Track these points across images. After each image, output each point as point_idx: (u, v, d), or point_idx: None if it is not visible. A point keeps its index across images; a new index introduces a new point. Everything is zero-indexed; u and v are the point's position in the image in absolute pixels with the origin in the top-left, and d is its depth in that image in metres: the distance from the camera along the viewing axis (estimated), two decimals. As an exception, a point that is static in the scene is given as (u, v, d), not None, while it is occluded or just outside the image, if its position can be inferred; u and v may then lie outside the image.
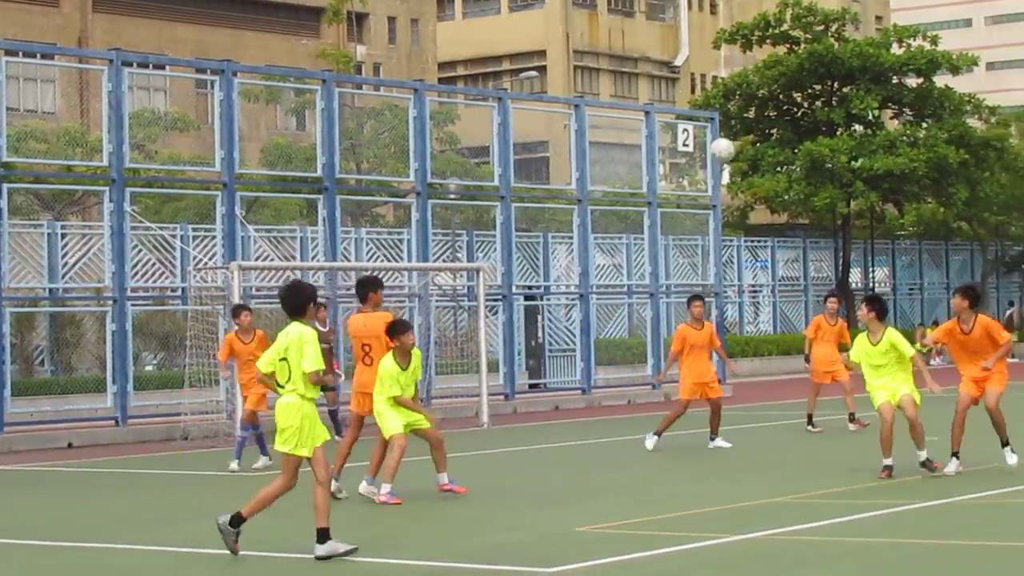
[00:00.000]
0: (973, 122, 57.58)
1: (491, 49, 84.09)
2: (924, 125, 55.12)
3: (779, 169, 53.12)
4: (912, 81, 55.79)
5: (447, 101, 57.23)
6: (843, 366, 22.94)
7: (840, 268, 55.47)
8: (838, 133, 53.55)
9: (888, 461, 16.74)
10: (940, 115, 54.98)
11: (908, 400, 16.70)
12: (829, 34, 55.29)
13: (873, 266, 57.99)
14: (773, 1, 61.16)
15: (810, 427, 23.90)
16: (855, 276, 57.05)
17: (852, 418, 23.94)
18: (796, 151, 52.56)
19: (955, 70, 55.25)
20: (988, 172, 54.71)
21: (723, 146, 21.32)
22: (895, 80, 55.24)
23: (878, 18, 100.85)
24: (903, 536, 12.95)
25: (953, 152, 51.85)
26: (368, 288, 16.50)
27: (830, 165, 51.07)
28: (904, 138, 53.09)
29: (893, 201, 56.45)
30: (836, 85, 54.84)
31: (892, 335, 16.85)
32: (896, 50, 55.23)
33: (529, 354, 37.55)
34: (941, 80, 56.47)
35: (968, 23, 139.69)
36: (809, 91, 55.48)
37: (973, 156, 53.47)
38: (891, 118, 58.84)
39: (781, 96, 55.48)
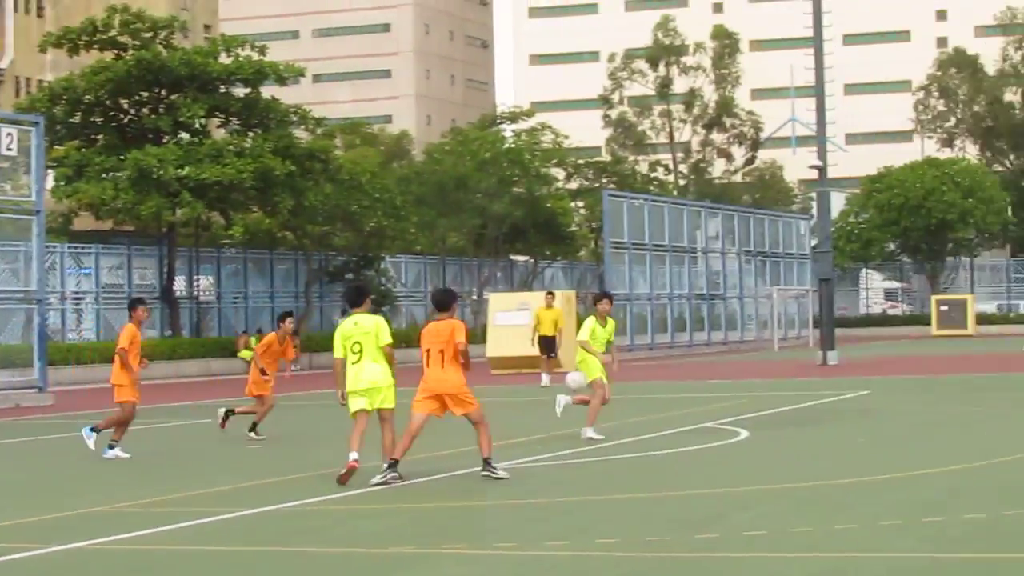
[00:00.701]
0: (300, 133, 58.76)
1: None
2: (251, 135, 55.68)
3: (105, 176, 52.29)
4: (240, 91, 56.28)
5: None
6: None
7: (165, 276, 55.42)
8: (165, 141, 53.39)
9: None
10: (267, 125, 55.78)
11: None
12: (158, 41, 55.00)
13: (198, 274, 58.25)
14: (102, 5, 60.39)
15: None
16: (180, 284, 57.09)
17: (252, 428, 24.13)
18: (123, 158, 51.86)
19: (282, 81, 56.13)
20: (314, 182, 55.72)
21: (577, 379, 22.20)
22: (223, 89, 55.56)
23: (207, 27, 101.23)
24: (221, 544, 13.10)
25: (279, 163, 52.59)
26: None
27: (158, 175, 50.74)
28: (231, 147, 53.30)
29: (220, 210, 56.80)
30: (164, 92, 54.62)
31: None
32: (224, 59, 55.54)
33: None
34: (268, 91, 57.33)
35: (296, 35, 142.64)
36: (137, 98, 54.96)
37: (299, 167, 54.38)
38: (218, 127, 59.24)
39: (108, 102, 54.59)
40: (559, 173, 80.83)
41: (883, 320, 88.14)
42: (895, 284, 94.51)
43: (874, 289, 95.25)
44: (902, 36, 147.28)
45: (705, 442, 20.93)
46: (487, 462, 16.99)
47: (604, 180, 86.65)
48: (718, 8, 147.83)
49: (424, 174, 71.62)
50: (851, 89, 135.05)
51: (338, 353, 17.15)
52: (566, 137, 77.73)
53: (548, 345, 39.03)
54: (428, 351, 17.02)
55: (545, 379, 37.46)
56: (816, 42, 48.83)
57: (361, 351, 17.04)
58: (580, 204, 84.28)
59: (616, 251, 59.08)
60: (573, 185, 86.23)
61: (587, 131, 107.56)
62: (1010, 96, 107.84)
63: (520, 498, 15.63)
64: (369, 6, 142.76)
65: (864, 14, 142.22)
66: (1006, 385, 33.25)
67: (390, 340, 17.17)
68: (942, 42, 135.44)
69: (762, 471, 17.58)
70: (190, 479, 18.23)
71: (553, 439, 21.36)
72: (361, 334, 17.07)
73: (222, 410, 24.35)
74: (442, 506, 15.43)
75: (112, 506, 15.82)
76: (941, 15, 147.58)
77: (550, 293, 43.21)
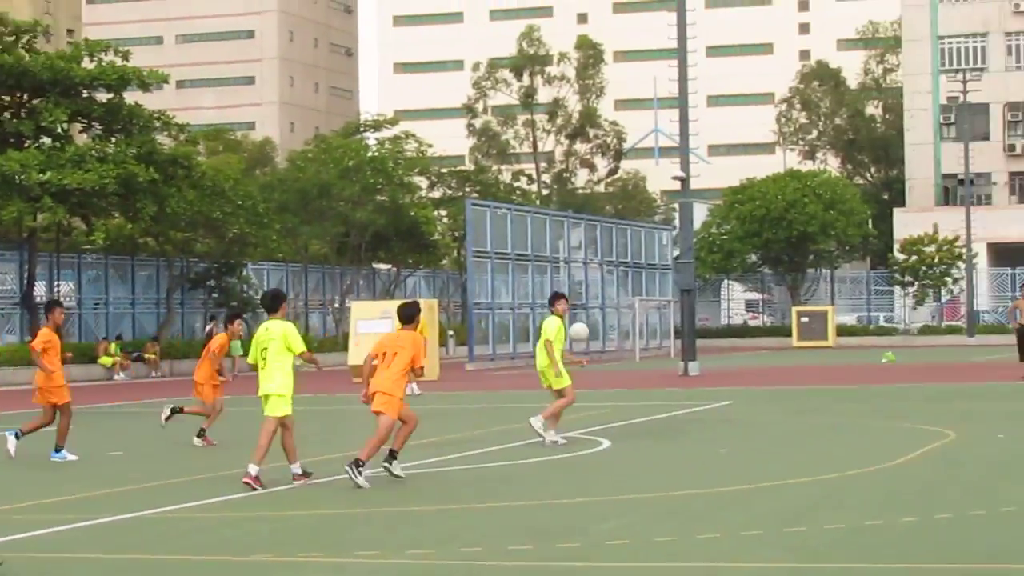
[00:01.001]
0: (163, 139, 58.22)
1: None
2: (114, 141, 55.03)
3: (-35, 180, 51.39)
4: (103, 96, 55.65)
5: None
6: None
7: (25, 281, 54.64)
8: (27, 146, 52.62)
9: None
10: (130, 131, 55.16)
11: None
12: (20, 46, 54.21)
13: (58, 280, 57.51)
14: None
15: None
16: (40, 290, 56.30)
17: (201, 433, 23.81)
18: (-17, 162, 50.98)
19: (145, 87, 55.62)
20: (176, 189, 55.23)
21: (581, 330, 22.71)
22: (86, 94, 54.90)
23: (70, 31, 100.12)
24: (78, 552, 12.94)
25: (142, 169, 52.02)
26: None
27: (20, 180, 49.99)
28: (93, 153, 52.63)
29: (81, 216, 56.11)
30: (26, 97, 53.83)
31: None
32: (88, 64, 54.87)
33: None
34: (132, 96, 56.73)
35: (160, 40, 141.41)
36: (-1, 102, 54.27)
37: (162, 173, 53.86)
38: (80, 132, 58.52)
39: (-28, 105, 53.85)
40: (422, 182, 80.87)
41: (744, 331, 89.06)
42: (756, 295, 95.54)
43: (735, 300, 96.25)
44: (765, 49, 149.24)
45: (568, 452, 21.01)
46: (391, 453, 17.67)
47: (467, 189, 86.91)
48: (583, 19, 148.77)
49: (287, 181, 71.31)
50: (714, 101, 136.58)
51: (250, 359, 17.44)
52: (430, 146, 77.75)
53: None
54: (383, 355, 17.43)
55: (415, 387, 37.39)
56: (680, 54, 49.25)
57: (267, 358, 17.31)
58: (443, 213, 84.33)
59: (478, 260, 59.15)
60: (436, 194, 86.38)
61: (451, 140, 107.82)
62: (872, 109, 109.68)
63: (385, 506, 15.60)
64: (234, 12, 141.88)
65: (728, 27, 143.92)
66: (866, 396, 33.74)
67: (301, 348, 17.44)
68: (805, 55, 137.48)
69: (624, 481, 17.67)
70: (52, 486, 17.97)
71: (418, 447, 21.34)
72: (269, 340, 17.35)
73: (168, 408, 24.40)
74: (309, 514, 15.37)
75: (-32, 516, 15.56)
76: (804, 28, 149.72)
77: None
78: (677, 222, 65.60)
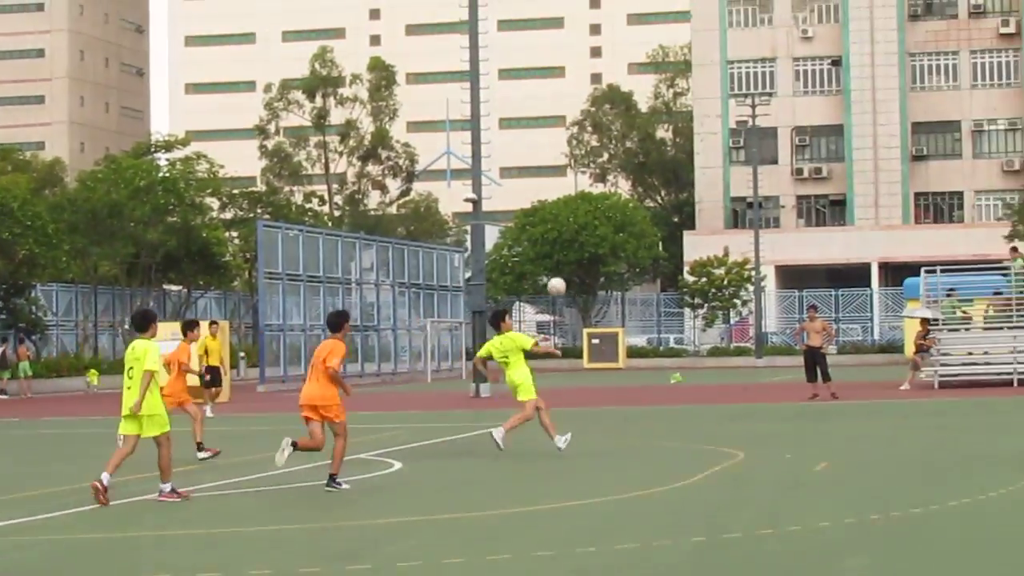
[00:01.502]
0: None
1: None
2: None
3: None
4: None
5: None
6: None
7: None
8: None
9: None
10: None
11: None
12: None
13: None
14: None
15: None
16: None
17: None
18: None
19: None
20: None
21: (558, 285, 23.49)
22: None
23: None
24: None
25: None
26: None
27: None
28: None
29: None
30: None
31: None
32: None
33: None
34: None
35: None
36: None
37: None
38: None
39: None
40: (214, 203, 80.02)
41: (534, 353, 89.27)
42: (548, 317, 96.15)
43: (527, 322, 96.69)
44: (557, 72, 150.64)
45: (358, 473, 20.82)
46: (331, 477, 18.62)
47: (259, 210, 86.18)
48: (375, 40, 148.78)
49: (77, 201, 70.00)
50: (506, 123, 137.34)
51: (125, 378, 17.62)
52: (221, 166, 77.00)
53: (215, 375, 38.44)
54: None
55: (209, 410, 36.83)
56: (472, 76, 49.39)
57: (132, 377, 17.54)
58: (235, 234, 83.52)
59: (270, 281, 58.63)
60: (228, 215, 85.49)
61: (243, 161, 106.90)
62: (662, 132, 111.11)
63: (176, 528, 15.29)
64: (24, 30, 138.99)
65: (520, 50, 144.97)
66: (657, 417, 34.05)
67: (151, 366, 17.44)
68: (596, 78, 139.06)
69: (416, 502, 17.57)
70: None
71: (208, 469, 20.96)
72: (133, 359, 17.60)
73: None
74: (99, 537, 15.00)
75: None
76: (596, 52, 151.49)
77: (214, 322, 42.42)
78: (469, 244, 65.77)
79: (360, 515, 16.34)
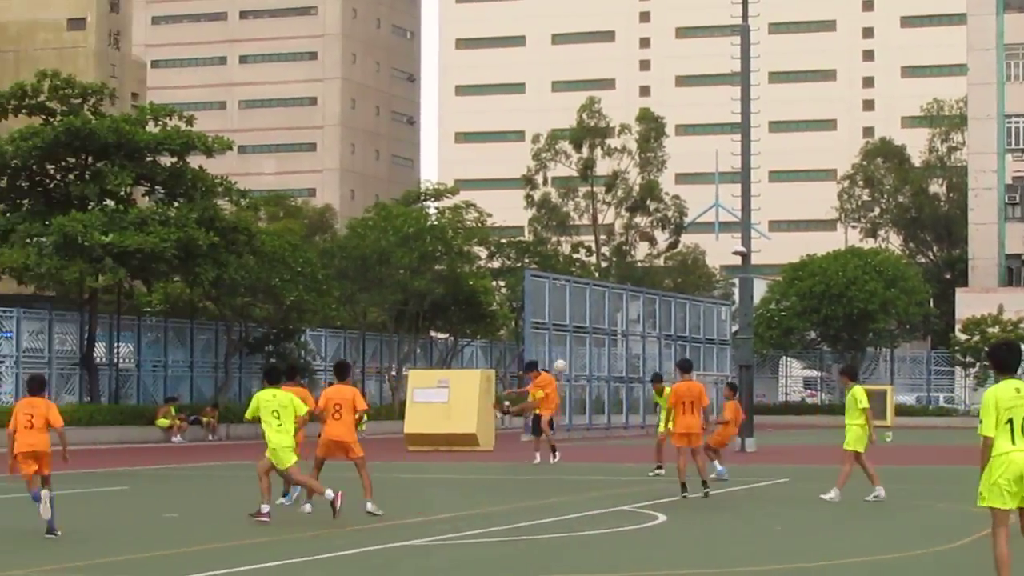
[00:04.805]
0: (223, 204, 58.54)
1: None
2: (176, 204, 55.35)
3: (29, 241, 51.75)
4: (166, 160, 56.04)
5: None
6: None
7: (85, 342, 54.94)
8: (91, 207, 52.95)
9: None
10: (192, 195, 55.46)
11: None
12: (86, 108, 54.75)
13: (118, 341, 57.78)
14: (31, 70, 60.09)
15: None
16: (100, 351, 56.60)
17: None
18: (48, 224, 51.30)
19: (209, 152, 55.95)
20: (236, 255, 55.43)
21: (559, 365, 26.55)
22: (150, 158, 55.33)
23: (134, 95, 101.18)
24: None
25: (203, 234, 52.29)
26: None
27: (82, 240, 50.28)
28: (156, 216, 52.86)
29: (142, 278, 56.44)
30: (91, 159, 54.24)
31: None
32: (152, 128, 55.30)
33: None
34: (194, 160, 57.09)
35: (223, 105, 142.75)
36: (63, 164, 54.53)
37: (222, 238, 54.09)
38: (143, 195, 58.93)
39: (35, 167, 54.03)
40: (481, 251, 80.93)
41: (802, 408, 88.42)
42: (814, 372, 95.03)
43: (793, 377, 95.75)
44: (828, 125, 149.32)
45: (622, 525, 20.86)
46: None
47: (526, 260, 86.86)
48: (645, 91, 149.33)
49: (346, 248, 71.44)
50: (776, 176, 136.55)
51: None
52: (489, 216, 77.89)
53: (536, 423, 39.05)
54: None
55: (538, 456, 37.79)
56: (743, 128, 49.21)
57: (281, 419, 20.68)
58: (502, 283, 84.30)
59: (536, 331, 58.99)
60: (495, 264, 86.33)
61: (510, 211, 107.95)
62: (935, 187, 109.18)
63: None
64: (296, 79, 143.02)
65: (791, 102, 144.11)
66: (925, 476, 33.41)
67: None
68: (868, 132, 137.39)
69: (680, 554, 17.52)
70: (100, 548, 17.93)
71: (465, 518, 21.21)
72: (279, 406, 20.65)
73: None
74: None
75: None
76: (868, 105, 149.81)
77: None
78: (736, 297, 65.43)
79: (632, 567, 16.34)
